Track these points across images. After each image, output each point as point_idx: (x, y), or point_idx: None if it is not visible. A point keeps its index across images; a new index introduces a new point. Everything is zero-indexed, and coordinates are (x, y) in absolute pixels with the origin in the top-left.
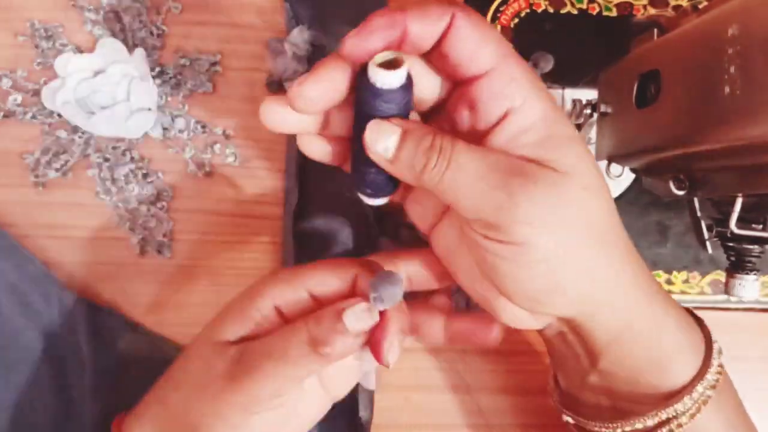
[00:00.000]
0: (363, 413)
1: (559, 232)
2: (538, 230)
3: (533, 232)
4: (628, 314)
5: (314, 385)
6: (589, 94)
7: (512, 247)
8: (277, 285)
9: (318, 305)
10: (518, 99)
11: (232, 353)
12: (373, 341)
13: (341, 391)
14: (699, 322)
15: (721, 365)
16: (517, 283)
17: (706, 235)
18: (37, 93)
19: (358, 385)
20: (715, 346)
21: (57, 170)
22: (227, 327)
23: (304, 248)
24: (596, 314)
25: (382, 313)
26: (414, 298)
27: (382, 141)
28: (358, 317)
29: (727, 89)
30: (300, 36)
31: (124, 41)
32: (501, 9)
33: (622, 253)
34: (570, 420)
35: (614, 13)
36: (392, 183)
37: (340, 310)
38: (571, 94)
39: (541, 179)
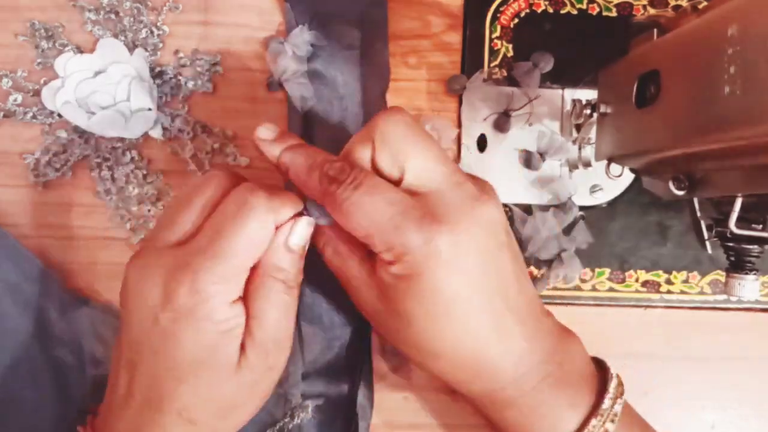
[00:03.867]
0: (362, 413)
1: (458, 274)
2: (437, 268)
3: (431, 268)
4: (510, 395)
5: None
6: (588, 94)
7: (410, 278)
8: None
9: None
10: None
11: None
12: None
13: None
14: (596, 363)
15: (618, 401)
16: (407, 323)
17: (705, 235)
18: (37, 93)
19: (357, 385)
20: (609, 390)
21: (57, 170)
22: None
23: None
24: (472, 385)
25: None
26: None
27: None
28: (301, 233)
29: (727, 89)
30: (300, 36)
31: (125, 41)
32: (501, 9)
33: (516, 317)
34: None
35: (614, 13)
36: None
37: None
38: (571, 94)
39: (452, 224)
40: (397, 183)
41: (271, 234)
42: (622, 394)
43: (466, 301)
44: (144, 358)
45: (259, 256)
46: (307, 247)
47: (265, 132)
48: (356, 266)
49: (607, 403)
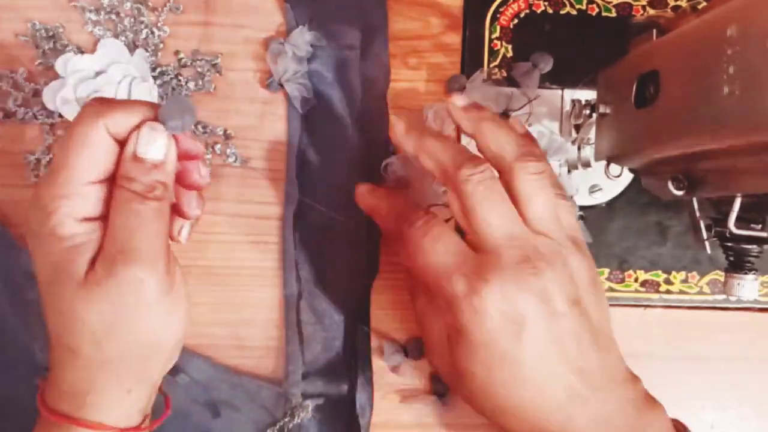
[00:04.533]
0: (362, 413)
1: (505, 332)
2: (483, 319)
3: (477, 318)
4: None
5: None
6: (588, 95)
7: (458, 331)
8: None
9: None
10: None
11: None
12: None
13: None
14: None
15: None
16: (461, 359)
17: (705, 235)
18: (37, 93)
19: (357, 385)
20: None
21: None
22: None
23: (304, 248)
24: None
25: (177, 143)
26: None
27: None
28: (149, 140)
29: (726, 90)
30: (300, 36)
31: (125, 42)
32: (501, 9)
33: (586, 381)
34: None
35: (613, 13)
36: None
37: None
38: (571, 94)
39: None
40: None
41: (106, 141)
42: None
43: (523, 361)
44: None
45: (99, 168)
46: (170, 160)
47: (363, 189)
48: (436, 321)
49: None
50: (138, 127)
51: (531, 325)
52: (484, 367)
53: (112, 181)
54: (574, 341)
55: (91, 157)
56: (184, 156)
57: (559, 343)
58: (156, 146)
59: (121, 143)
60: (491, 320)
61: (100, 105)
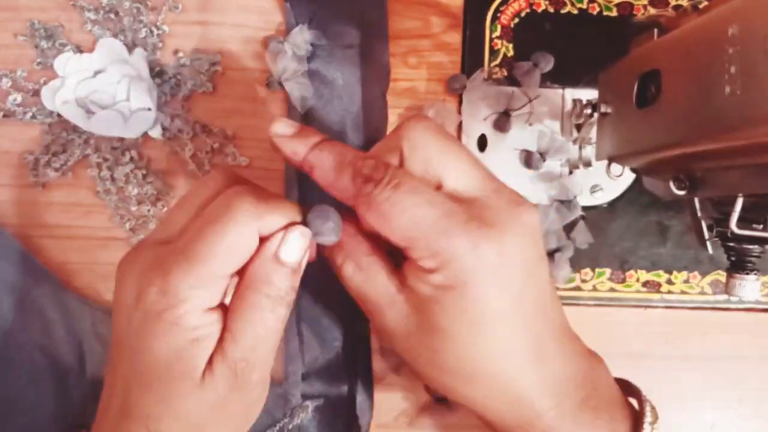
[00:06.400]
0: (362, 413)
1: (503, 286)
2: (483, 277)
3: (478, 277)
4: (548, 424)
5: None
6: (589, 94)
7: (453, 288)
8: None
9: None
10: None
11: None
12: None
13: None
14: (630, 393)
15: (655, 426)
16: (444, 340)
17: (706, 235)
18: (36, 93)
19: (357, 385)
20: (647, 414)
21: (57, 170)
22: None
23: None
24: (507, 413)
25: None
26: None
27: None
28: (295, 245)
29: (727, 89)
30: (300, 36)
31: (124, 41)
32: (501, 9)
33: (554, 336)
34: None
35: (614, 13)
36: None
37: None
38: (571, 94)
39: (499, 233)
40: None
41: (254, 241)
42: (657, 418)
43: (511, 316)
44: (121, 361)
45: (239, 264)
46: (304, 263)
47: (283, 127)
48: (384, 280)
49: (647, 429)
50: (285, 227)
51: (525, 274)
52: (468, 323)
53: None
54: (550, 290)
55: (237, 256)
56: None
57: (542, 294)
58: (300, 252)
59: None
60: (493, 273)
61: (257, 206)
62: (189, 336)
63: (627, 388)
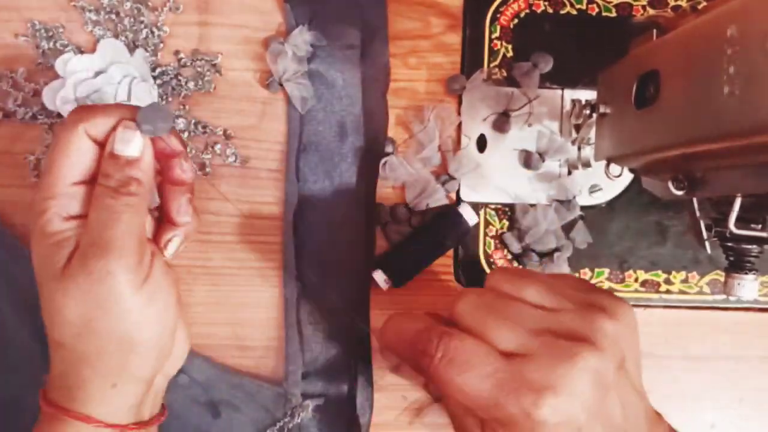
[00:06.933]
0: (362, 412)
1: None
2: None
3: None
4: None
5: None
6: (588, 95)
7: None
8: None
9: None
10: None
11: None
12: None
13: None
14: None
15: None
16: None
17: (705, 235)
18: (37, 93)
19: (357, 385)
20: None
21: None
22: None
23: (304, 248)
24: None
25: (155, 141)
26: None
27: None
28: (123, 139)
29: (726, 89)
30: (300, 36)
31: (125, 42)
32: (501, 9)
33: None
34: None
35: (613, 13)
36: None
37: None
38: (571, 94)
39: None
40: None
41: (86, 144)
42: None
43: None
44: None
45: (81, 169)
46: (146, 158)
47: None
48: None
49: None
50: (115, 128)
51: (589, 417)
52: None
53: (95, 181)
54: (621, 415)
55: (73, 160)
56: (162, 154)
57: (609, 426)
58: (131, 145)
59: (102, 145)
60: (555, 428)
61: (81, 111)
62: (50, 241)
63: None
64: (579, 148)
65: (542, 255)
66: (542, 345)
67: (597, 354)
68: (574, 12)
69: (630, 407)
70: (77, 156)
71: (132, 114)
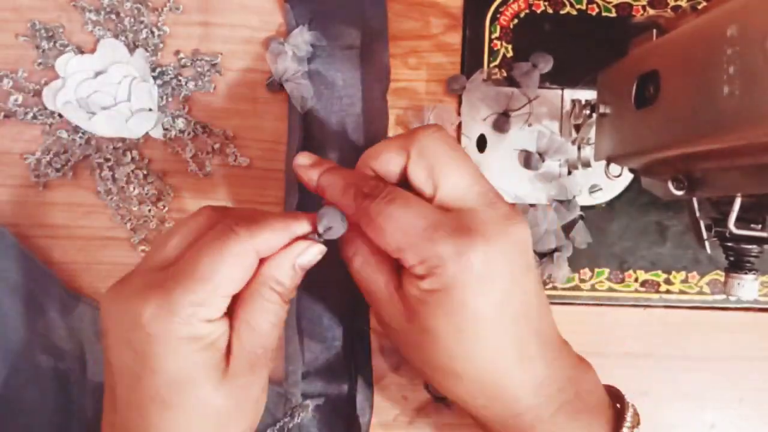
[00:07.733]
0: (362, 412)
1: (488, 291)
2: (467, 283)
3: (462, 283)
4: (527, 422)
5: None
6: (588, 95)
7: (440, 292)
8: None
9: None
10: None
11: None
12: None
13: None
14: (613, 397)
15: (635, 431)
16: (432, 341)
17: (704, 235)
18: (38, 93)
19: (357, 385)
20: (627, 418)
21: (58, 170)
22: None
23: None
24: (488, 409)
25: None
26: None
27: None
28: (310, 253)
29: (726, 90)
30: (300, 36)
31: (125, 42)
32: (500, 9)
33: (539, 341)
34: None
35: (613, 13)
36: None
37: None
38: (571, 94)
39: (484, 240)
40: (429, 199)
41: (252, 261)
42: (638, 423)
43: (494, 320)
44: (125, 387)
45: (240, 283)
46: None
47: (303, 159)
48: (383, 281)
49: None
50: (295, 240)
51: (510, 281)
52: (454, 325)
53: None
54: (537, 298)
55: (236, 276)
56: None
57: (527, 300)
58: (315, 257)
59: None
60: (478, 279)
61: (250, 228)
62: (201, 345)
63: (615, 395)
64: (579, 148)
65: (542, 255)
66: (483, 203)
67: (528, 231)
68: (574, 12)
69: (544, 308)
70: (241, 273)
71: (304, 227)
